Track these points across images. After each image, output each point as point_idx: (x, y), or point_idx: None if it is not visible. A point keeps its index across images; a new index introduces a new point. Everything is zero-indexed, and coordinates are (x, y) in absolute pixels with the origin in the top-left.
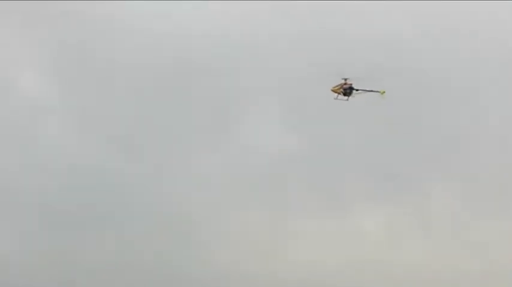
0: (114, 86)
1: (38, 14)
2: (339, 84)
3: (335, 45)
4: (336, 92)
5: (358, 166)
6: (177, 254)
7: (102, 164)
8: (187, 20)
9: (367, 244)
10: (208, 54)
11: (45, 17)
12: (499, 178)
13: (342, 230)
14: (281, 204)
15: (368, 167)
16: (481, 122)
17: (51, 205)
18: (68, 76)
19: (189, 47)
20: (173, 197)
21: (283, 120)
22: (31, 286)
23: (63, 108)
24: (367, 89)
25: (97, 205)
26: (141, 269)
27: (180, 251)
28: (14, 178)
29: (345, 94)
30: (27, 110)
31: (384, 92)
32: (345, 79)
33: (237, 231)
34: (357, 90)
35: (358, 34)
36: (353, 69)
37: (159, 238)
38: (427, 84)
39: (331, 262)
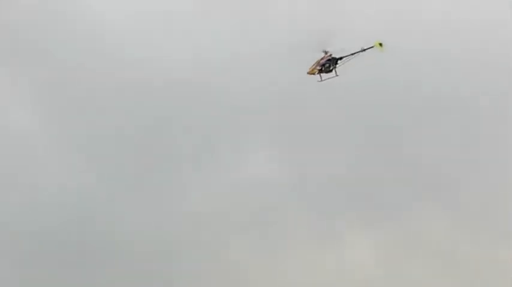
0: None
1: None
2: (316, 61)
3: None
4: (313, 74)
5: (346, 194)
6: None
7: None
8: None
9: (357, 274)
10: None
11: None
12: (490, 206)
13: (331, 260)
14: (269, 234)
15: (357, 196)
16: (471, 149)
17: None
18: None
19: (171, 69)
20: (153, 229)
21: (268, 147)
22: None
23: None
24: (355, 52)
25: (84, 234)
26: None
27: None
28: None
29: (326, 71)
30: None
31: (381, 44)
32: (325, 52)
33: (222, 264)
34: (340, 59)
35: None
36: None
37: (141, 274)
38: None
39: None
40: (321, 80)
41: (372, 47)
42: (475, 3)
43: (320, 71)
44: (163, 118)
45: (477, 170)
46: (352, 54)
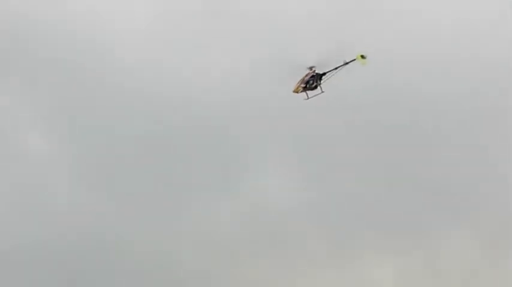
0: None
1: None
2: (300, 79)
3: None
4: (298, 92)
5: (366, 217)
6: None
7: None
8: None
9: None
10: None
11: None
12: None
13: (351, 283)
14: (290, 257)
15: (376, 218)
16: (492, 167)
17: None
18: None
19: (192, 95)
20: (177, 254)
21: (285, 168)
22: None
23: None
24: (338, 66)
25: (99, 259)
26: None
27: None
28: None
29: (311, 88)
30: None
31: (363, 56)
32: (310, 67)
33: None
34: (324, 74)
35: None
36: None
37: None
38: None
39: None
40: (307, 98)
41: (354, 59)
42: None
43: (305, 89)
44: (186, 149)
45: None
46: (336, 68)
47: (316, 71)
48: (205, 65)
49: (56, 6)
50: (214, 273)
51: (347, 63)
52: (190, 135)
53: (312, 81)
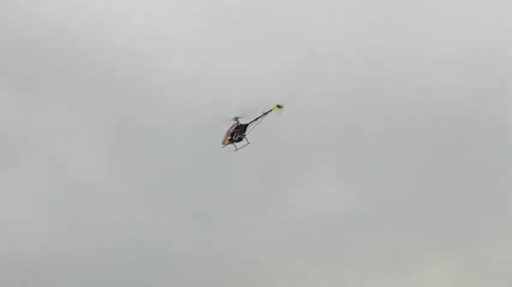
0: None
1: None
2: (226, 131)
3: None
4: (225, 145)
5: (421, 218)
6: None
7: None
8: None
9: None
10: None
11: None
12: None
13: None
14: (344, 263)
15: (432, 220)
16: None
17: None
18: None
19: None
20: (225, 263)
21: (338, 177)
22: None
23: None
24: (258, 117)
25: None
26: None
27: None
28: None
29: (237, 140)
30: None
31: (279, 106)
32: (236, 118)
33: None
34: (247, 125)
35: None
36: None
37: None
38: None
39: None
40: (236, 150)
41: (271, 110)
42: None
43: (231, 141)
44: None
45: None
46: (256, 119)
47: (240, 123)
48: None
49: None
50: (270, 279)
51: (265, 113)
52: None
53: (236, 134)
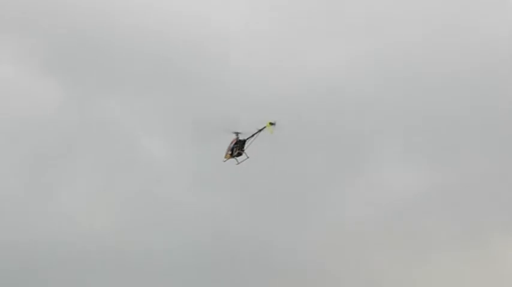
0: None
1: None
2: (228, 146)
3: None
4: (227, 159)
5: (494, 197)
6: None
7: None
8: None
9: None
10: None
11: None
12: None
13: (482, 265)
14: (417, 240)
15: (503, 202)
16: None
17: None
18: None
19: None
20: (302, 244)
21: (411, 155)
22: None
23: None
24: (254, 133)
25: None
26: None
27: None
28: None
29: (237, 154)
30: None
31: (272, 123)
32: (236, 133)
33: (374, 270)
34: (245, 141)
35: None
36: None
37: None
38: None
39: None
40: (238, 163)
41: (265, 127)
42: None
43: (231, 155)
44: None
45: None
46: (252, 135)
47: (239, 138)
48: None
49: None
50: (347, 261)
51: (260, 130)
52: (315, 130)
53: (236, 149)
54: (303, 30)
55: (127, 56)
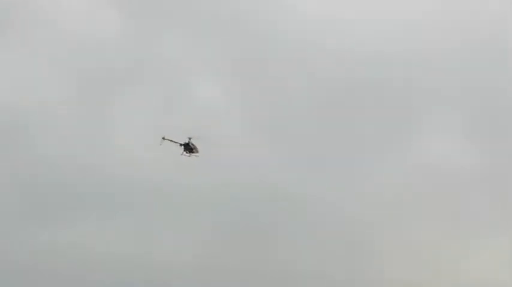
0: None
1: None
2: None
3: None
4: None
5: None
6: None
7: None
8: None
9: None
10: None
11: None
12: None
13: None
14: (461, 219)
15: None
16: None
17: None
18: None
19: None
20: (345, 214)
21: (462, 134)
22: None
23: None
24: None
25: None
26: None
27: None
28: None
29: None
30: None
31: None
32: (189, 138)
33: (415, 248)
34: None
35: None
36: None
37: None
38: None
39: None
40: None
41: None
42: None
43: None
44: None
45: None
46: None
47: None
48: None
49: None
50: (378, 230)
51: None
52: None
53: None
54: None
55: None
